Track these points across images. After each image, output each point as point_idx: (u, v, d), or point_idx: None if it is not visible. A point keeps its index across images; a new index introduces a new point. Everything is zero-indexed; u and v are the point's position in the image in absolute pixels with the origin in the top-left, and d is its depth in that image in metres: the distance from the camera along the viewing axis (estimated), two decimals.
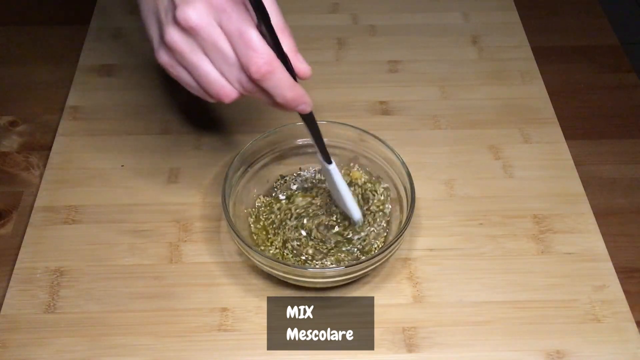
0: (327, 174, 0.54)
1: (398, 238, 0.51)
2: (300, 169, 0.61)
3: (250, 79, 0.43)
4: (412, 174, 0.55)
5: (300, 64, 0.46)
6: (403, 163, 0.56)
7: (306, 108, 0.46)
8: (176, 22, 0.43)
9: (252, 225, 0.57)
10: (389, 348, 0.51)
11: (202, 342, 0.51)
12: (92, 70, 0.72)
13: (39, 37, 0.77)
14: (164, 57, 0.46)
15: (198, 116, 0.67)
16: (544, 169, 0.63)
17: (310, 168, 0.61)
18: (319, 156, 0.53)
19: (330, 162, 0.53)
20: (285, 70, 0.43)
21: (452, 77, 0.72)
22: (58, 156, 0.64)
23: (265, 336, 0.52)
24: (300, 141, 0.60)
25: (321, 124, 0.58)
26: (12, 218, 0.60)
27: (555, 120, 0.68)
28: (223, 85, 0.45)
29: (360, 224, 0.56)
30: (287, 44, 0.45)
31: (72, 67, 0.73)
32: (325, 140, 0.59)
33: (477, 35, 0.77)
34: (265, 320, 0.52)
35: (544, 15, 0.82)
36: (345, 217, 0.57)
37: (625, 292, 0.55)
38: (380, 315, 0.53)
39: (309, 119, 0.49)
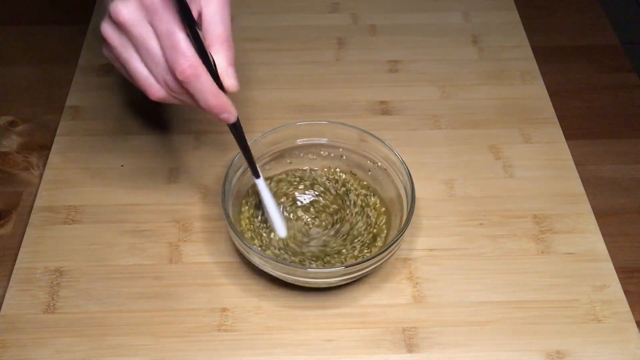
0: (256, 187, 0.54)
1: (398, 238, 0.51)
2: (300, 168, 0.61)
3: (175, 80, 0.44)
4: (412, 174, 0.55)
5: (228, 78, 0.46)
6: (403, 163, 0.56)
7: (229, 118, 0.47)
8: (110, 16, 0.44)
9: (250, 224, 0.57)
10: (389, 348, 0.51)
11: (202, 342, 0.51)
12: (92, 70, 0.72)
13: (39, 37, 0.77)
14: (105, 51, 0.47)
15: (198, 116, 0.67)
16: (544, 169, 0.63)
17: (307, 168, 0.61)
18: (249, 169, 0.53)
19: (258, 176, 0.53)
20: (210, 77, 0.44)
21: (452, 77, 0.72)
22: (58, 156, 0.64)
23: (265, 336, 0.52)
24: (300, 141, 0.60)
25: (321, 123, 0.59)
26: (12, 218, 0.60)
27: (555, 120, 0.68)
28: (150, 83, 0.45)
29: (284, 238, 0.56)
30: (224, 56, 0.45)
31: (72, 67, 0.73)
32: (324, 140, 0.60)
33: (477, 35, 0.77)
34: (265, 321, 0.52)
35: (544, 15, 0.82)
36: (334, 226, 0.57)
37: (626, 292, 0.55)
38: (380, 315, 0.53)
39: (235, 130, 0.50)
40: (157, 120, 0.67)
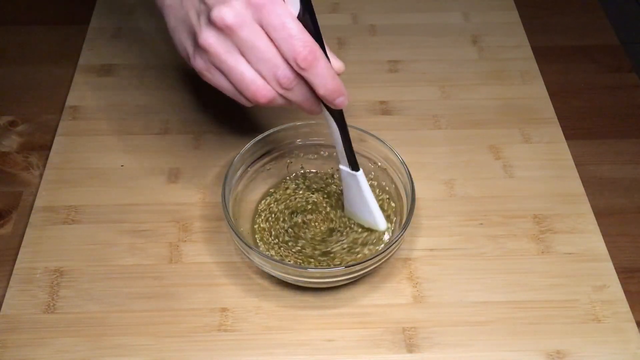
0: (352, 181, 0.53)
1: (398, 238, 0.51)
2: (302, 167, 0.61)
3: (295, 70, 0.43)
4: (412, 174, 0.55)
5: (335, 60, 0.46)
6: (403, 163, 0.56)
7: (344, 101, 0.46)
8: (211, 23, 0.43)
9: (255, 225, 0.57)
10: (389, 348, 0.51)
11: (202, 342, 0.51)
12: (92, 70, 0.72)
13: (39, 37, 0.77)
14: (199, 62, 0.46)
15: (198, 116, 0.67)
16: (544, 169, 0.63)
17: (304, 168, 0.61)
18: (342, 162, 0.52)
19: (357, 169, 0.52)
20: (328, 60, 0.43)
21: (452, 77, 0.72)
22: (58, 156, 0.64)
23: (265, 336, 0.52)
24: (300, 141, 0.60)
25: (321, 124, 0.59)
26: (12, 218, 0.60)
27: (555, 120, 0.68)
28: (259, 85, 0.44)
29: (388, 229, 0.55)
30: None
31: (72, 67, 0.73)
32: (324, 140, 0.60)
33: (477, 35, 0.77)
34: (265, 321, 0.52)
35: (544, 15, 0.82)
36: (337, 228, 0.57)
37: (626, 292, 0.55)
38: (380, 315, 0.53)
39: (340, 118, 0.49)
40: (157, 120, 0.67)
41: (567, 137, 0.66)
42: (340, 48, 0.76)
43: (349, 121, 0.59)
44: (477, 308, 0.53)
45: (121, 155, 0.64)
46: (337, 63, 0.46)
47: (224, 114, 0.68)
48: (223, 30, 0.42)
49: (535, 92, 0.71)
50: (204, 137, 0.66)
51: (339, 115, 0.49)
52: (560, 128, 0.67)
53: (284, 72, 0.43)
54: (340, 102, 0.46)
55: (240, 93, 0.46)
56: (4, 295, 0.54)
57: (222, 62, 0.44)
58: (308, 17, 0.43)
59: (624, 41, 0.79)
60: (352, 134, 0.58)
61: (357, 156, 0.59)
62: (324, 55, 0.43)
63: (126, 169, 0.63)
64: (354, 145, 0.59)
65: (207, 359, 0.50)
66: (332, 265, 0.54)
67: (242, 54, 0.44)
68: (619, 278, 0.55)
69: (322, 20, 0.78)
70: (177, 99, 0.69)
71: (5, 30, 0.78)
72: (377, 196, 0.57)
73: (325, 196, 0.59)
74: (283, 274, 0.51)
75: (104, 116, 0.67)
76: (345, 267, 0.50)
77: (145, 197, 0.60)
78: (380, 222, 0.55)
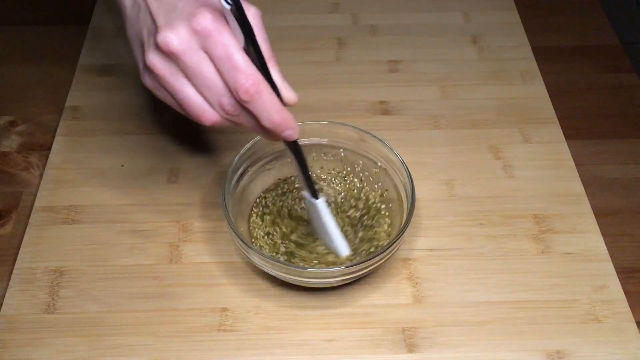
0: (313, 208, 0.53)
1: (398, 238, 0.51)
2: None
3: (238, 100, 0.43)
4: (412, 174, 0.55)
5: (287, 91, 0.45)
6: (403, 163, 0.56)
7: (293, 134, 0.45)
8: (157, 46, 0.42)
9: (252, 225, 0.57)
10: (389, 348, 0.51)
11: (202, 342, 0.51)
12: (92, 70, 0.72)
13: (39, 37, 0.77)
14: (147, 80, 0.46)
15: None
16: (544, 169, 0.63)
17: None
18: (305, 190, 0.52)
19: (316, 197, 0.52)
20: (273, 93, 0.43)
21: (452, 77, 0.72)
22: (58, 156, 0.64)
23: (265, 336, 0.52)
24: (300, 141, 0.60)
25: (321, 124, 0.59)
26: (12, 218, 0.60)
27: (555, 120, 0.68)
28: (205, 109, 0.44)
29: (348, 255, 0.54)
30: (276, 71, 0.45)
31: (72, 67, 0.73)
32: (324, 140, 0.60)
33: (477, 35, 0.77)
34: (265, 321, 0.52)
35: (544, 15, 0.82)
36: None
37: (626, 292, 0.55)
38: (380, 315, 0.53)
39: (294, 148, 0.48)
40: (157, 120, 0.67)
41: (567, 137, 0.66)
42: (340, 48, 0.76)
43: (349, 121, 0.60)
44: (477, 308, 0.53)
45: (121, 155, 0.64)
46: (288, 94, 0.45)
47: None
48: (167, 54, 0.42)
49: (535, 92, 0.71)
50: (204, 137, 0.66)
51: (293, 146, 0.48)
52: (560, 128, 0.67)
53: (229, 100, 0.43)
54: (288, 135, 0.45)
55: (186, 113, 0.46)
56: (4, 295, 0.54)
57: (167, 84, 0.44)
58: (252, 49, 0.42)
59: (624, 41, 0.79)
60: (353, 134, 0.59)
61: (357, 156, 0.60)
62: (269, 88, 0.42)
63: (126, 169, 0.63)
64: (354, 145, 0.59)
65: (207, 359, 0.50)
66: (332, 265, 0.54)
67: (188, 78, 0.44)
68: (619, 278, 0.55)
69: (322, 20, 0.79)
70: None
71: (5, 30, 0.78)
72: (348, 221, 0.57)
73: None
74: (283, 274, 0.51)
75: (104, 116, 0.67)
76: (345, 267, 0.50)
77: (145, 197, 0.60)
78: (341, 249, 0.54)
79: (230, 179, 0.55)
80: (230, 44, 0.41)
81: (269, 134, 0.45)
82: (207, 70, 0.42)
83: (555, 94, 0.71)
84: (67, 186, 0.61)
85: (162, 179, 0.62)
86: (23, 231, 0.58)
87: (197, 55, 0.42)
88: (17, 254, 0.56)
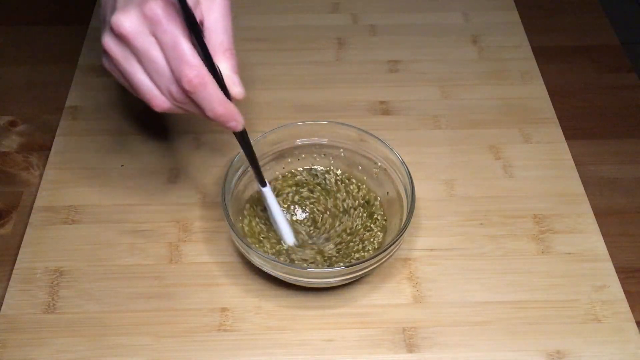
0: (262, 196, 0.54)
1: (398, 238, 0.51)
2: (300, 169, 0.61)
3: (182, 90, 0.43)
4: (412, 174, 0.55)
5: (234, 86, 0.46)
6: (403, 163, 0.56)
7: (237, 126, 0.46)
8: (111, 29, 0.43)
9: (246, 226, 0.57)
10: (389, 348, 0.51)
11: (202, 342, 0.51)
12: (92, 70, 0.72)
13: (39, 37, 0.77)
14: (105, 62, 0.47)
15: (198, 116, 0.67)
16: (544, 169, 0.63)
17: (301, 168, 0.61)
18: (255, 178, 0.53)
19: (264, 185, 0.53)
20: (217, 86, 0.43)
21: (452, 77, 0.72)
22: (58, 156, 0.64)
23: (265, 336, 0.52)
24: (300, 141, 0.60)
25: (321, 123, 0.59)
26: (12, 218, 0.60)
27: (555, 120, 0.68)
28: (155, 94, 0.45)
29: (293, 246, 0.56)
30: (228, 65, 0.45)
31: (72, 67, 0.73)
32: (324, 140, 0.60)
33: (477, 35, 0.77)
34: (265, 321, 0.52)
35: (544, 15, 0.82)
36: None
37: (626, 292, 0.55)
38: (380, 315, 0.53)
39: (241, 138, 0.49)
40: (157, 121, 0.67)
41: (567, 137, 0.66)
42: (340, 48, 0.76)
43: (349, 121, 0.60)
44: (477, 308, 0.53)
45: (121, 155, 0.64)
46: (236, 90, 0.46)
47: None
48: (119, 37, 0.43)
49: (535, 92, 0.71)
50: (204, 137, 0.66)
51: (239, 136, 0.49)
52: (560, 128, 0.67)
53: (176, 88, 0.44)
54: (232, 126, 0.46)
55: (138, 97, 0.47)
56: (4, 295, 0.54)
57: (120, 67, 0.45)
58: (196, 41, 0.42)
59: (624, 41, 0.79)
60: (353, 134, 0.59)
61: (357, 156, 0.60)
62: (212, 80, 0.43)
63: (126, 169, 0.63)
64: (354, 145, 0.59)
65: (207, 359, 0.50)
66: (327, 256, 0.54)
67: (139, 63, 0.44)
68: (619, 278, 0.55)
69: (322, 20, 0.79)
70: None
71: (5, 30, 0.78)
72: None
73: (322, 196, 0.59)
74: (283, 274, 0.51)
75: (104, 116, 0.67)
76: (345, 267, 0.50)
77: (145, 197, 0.60)
78: (286, 237, 0.55)
79: (230, 179, 0.55)
80: (177, 33, 0.42)
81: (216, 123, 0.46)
82: (156, 55, 0.43)
83: (555, 94, 0.71)
84: (67, 186, 0.61)
85: (162, 179, 0.62)
86: (23, 231, 0.58)
87: (147, 40, 0.43)
88: (17, 254, 0.56)
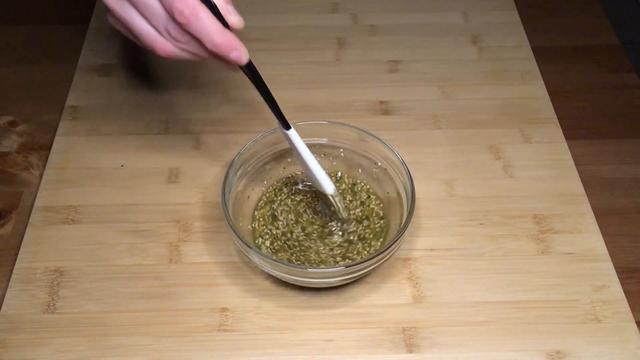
0: (289, 140, 0.52)
1: (398, 238, 0.51)
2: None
3: (177, 25, 0.43)
4: (412, 174, 0.55)
5: (230, 15, 0.45)
6: (403, 163, 0.56)
7: (240, 56, 0.45)
8: None
9: (254, 225, 0.57)
10: (389, 348, 0.51)
11: (202, 342, 0.51)
12: (92, 70, 0.72)
13: (39, 37, 0.77)
14: (109, 19, 0.47)
15: (198, 116, 0.67)
16: (544, 169, 0.63)
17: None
18: (278, 122, 0.50)
19: (288, 127, 0.51)
20: (210, 15, 0.43)
21: (452, 77, 0.72)
22: (58, 156, 0.64)
23: (265, 336, 0.52)
24: None
25: (321, 123, 0.59)
26: (12, 218, 0.60)
27: (555, 120, 0.68)
28: (155, 37, 0.45)
29: (335, 194, 0.54)
30: None
31: (72, 67, 0.73)
32: (324, 140, 0.60)
33: (477, 35, 0.77)
34: (265, 321, 0.52)
35: (544, 15, 0.82)
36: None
37: (626, 292, 0.55)
38: (380, 315, 0.53)
39: (250, 74, 0.47)
40: (157, 120, 0.67)
41: (567, 137, 0.66)
42: (340, 48, 0.76)
43: (349, 121, 0.60)
44: (477, 308, 0.53)
45: (121, 155, 0.64)
46: (233, 18, 0.45)
47: (224, 114, 0.68)
48: None
49: (535, 92, 0.71)
50: (204, 137, 0.66)
51: (248, 72, 0.47)
52: (560, 128, 0.67)
53: (173, 26, 0.44)
54: (235, 57, 0.45)
55: (142, 44, 0.47)
56: (4, 295, 0.54)
57: (119, 16, 0.46)
58: None
59: (624, 41, 0.79)
60: (353, 134, 0.59)
61: (357, 156, 0.60)
62: (205, 10, 0.43)
63: (126, 169, 0.63)
64: (354, 145, 0.59)
65: (207, 359, 0.50)
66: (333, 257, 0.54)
67: (135, 8, 0.45)
68: (619, 278, 0.55)
69: (322, 20, 0.79)
70: (177, 99, 0.69)
71: (5, 30, 0.78)
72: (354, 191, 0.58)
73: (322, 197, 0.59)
74: (283, 274, 0.51)
75: (104, 116, 0.67)
76: (346, 267, 0.50)
77: (145, 197, 0.60)
78: (325, 184, 0.53)
79: (230, 179, 0.55)
80: None
81: (220, 59, 0.46)
82: None
83: (555, 94, 0.71)
84: (67, 186, 0.61)
85: (162, 179, 0.62)
86: (23, 231, 0.58)
87: None
88: (17, 254, 0.56)
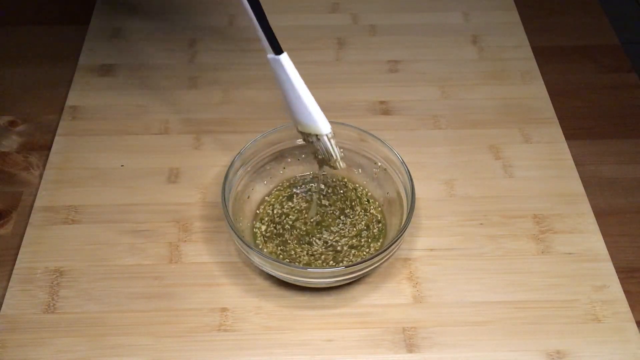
0: (280, 70, 0.43)
1: (398, 238, 0.51)
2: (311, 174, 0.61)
3: None
4: (412, 174, 0.55)
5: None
6: (403, 163, 0.56)
7: None
8: None
9: (255, 227, 0.57)
10: (389, 348, 0.51)
11: (202, 342, 0.51)
12: (92, 70, 0.72)
13: (39, 37, 0.77)
14: None
15: (198, 116, 0.67)
16: (544, 169, 0.63)
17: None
18: (266, 48, 0.40)
19: (280, 52, 0.42)
20: None
21: (452, 77, 0.72)
22: (58, 156, 0.64)
23: (265, 336, 0.52)
24: (300, 141, 0.60)
25: None
26: (12, 218, 0.60)
27: (555, 120, 0.68)
28: None
29: (331, 135, 0.49)
30: None
31: (72, 67, 0.73)
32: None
33: (477, 35, 0.77)
34: (265, 321, 0.52)
35: (544, 15, 0.82)
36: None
37: (626, 292, 0.55)
38: (380, 315, 0.53)
39: None
40: (157, 121, 0.67)
41: (567, 137, 0.66)
42: (340, 48, 0.76)
43: (349, 121, 0.60)
44: (477, 308, 0.53)
45: (121, 155, 0.64)
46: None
47: (224, 114, 0.68)
48: None
49: (535, 92, 0.71)
50: (204, 137, 0.66)
51: None
52: (560, 128, 0.67)
53: None
54: None
55: None
56: (4, 295, 0.54)
57: None
58: None
59: (624, 41, 0.79)
60: (353, 134, 0.59)
61: (357, 156, 0.60)
62: None
63: (126, 169, 0.63)
64: (354, 145, 0.59)
65: (207, 359, 0.50)
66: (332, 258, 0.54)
67: None
68: (619, 278, 0.55)
69: (322, 20, 0.79)
70: (177, 99, 0.69)
71: (5, 30, 0.78)
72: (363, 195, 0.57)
73: (323, 198, 0.59)
74: (283, 274, 0.51)
75: (104, 116, 0.67)
76: (346, 267, 0.50)
77: (145, 197, 0.60)
78: (320, 122, 0.45)
79: (230, 179, 0.55)
80: None
81: None
82: None
83: (555, 94, 0.71)
84: (67, 186, 0.61)
85: (162, 179, 0.62)
86: (23, 231, 0.58)
87: None
88: (17, 254, 0.56)
